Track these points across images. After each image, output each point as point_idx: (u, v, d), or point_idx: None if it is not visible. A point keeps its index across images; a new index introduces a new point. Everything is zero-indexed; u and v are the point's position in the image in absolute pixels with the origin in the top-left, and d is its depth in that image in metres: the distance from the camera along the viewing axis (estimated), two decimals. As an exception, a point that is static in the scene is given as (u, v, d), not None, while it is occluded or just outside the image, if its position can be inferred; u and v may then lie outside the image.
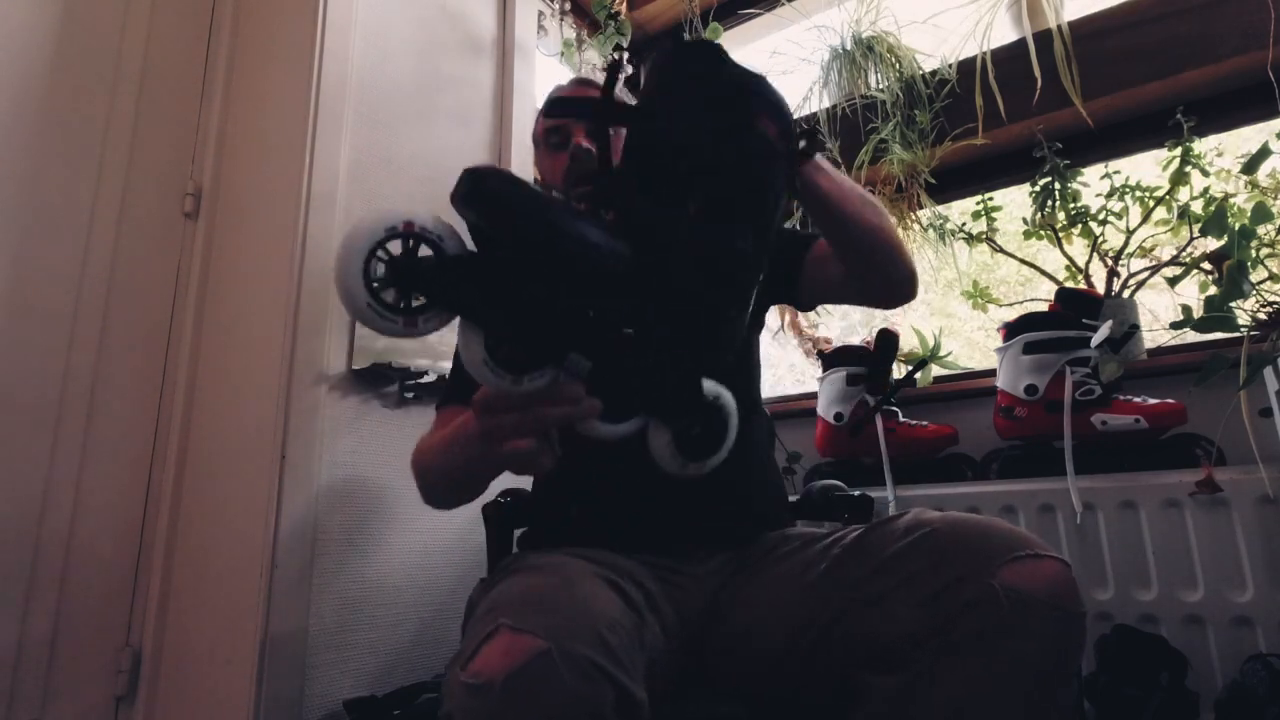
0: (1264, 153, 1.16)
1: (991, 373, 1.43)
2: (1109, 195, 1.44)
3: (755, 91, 0.56)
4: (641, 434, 0.61)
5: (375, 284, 0.50)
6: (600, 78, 1.54)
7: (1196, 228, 1.36)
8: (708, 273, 0.55)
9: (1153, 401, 1.22)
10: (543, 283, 0.52)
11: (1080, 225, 1.47)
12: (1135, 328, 1.31)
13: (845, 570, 0.69)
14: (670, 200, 0.55)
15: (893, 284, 0.84)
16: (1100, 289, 1.44)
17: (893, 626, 0.62)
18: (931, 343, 1.50)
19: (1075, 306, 1.30)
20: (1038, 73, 1.50)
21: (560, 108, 0.99)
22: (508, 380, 0.54)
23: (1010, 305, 1.56)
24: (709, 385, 0.64)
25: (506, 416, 0.55)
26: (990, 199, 1.59)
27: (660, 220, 0.55)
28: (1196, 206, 1.37)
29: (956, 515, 0.65)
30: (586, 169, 0.92)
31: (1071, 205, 1.47)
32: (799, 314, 1.86)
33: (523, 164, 1.56)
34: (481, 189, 0.50)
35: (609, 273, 0.52)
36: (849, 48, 1.77)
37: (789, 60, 1.88)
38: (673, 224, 0.55)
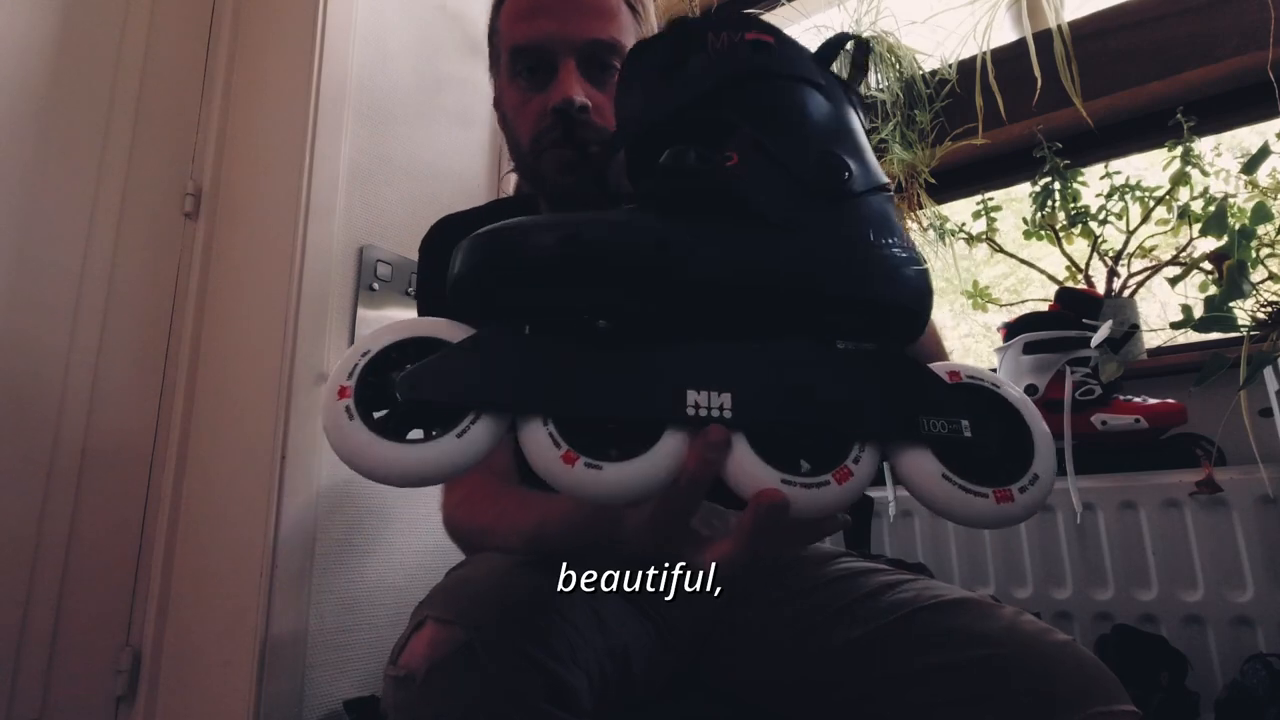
0: (1264, 153, 1.16)
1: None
2: (1109, 195, 1.44)
3: (729, 24, 0.51)
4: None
5: (386, 428, 0.39)
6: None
7: (1196, 228, 1.36)
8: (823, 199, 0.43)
9: (1153, 401, 1.22)
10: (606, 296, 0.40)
11: (1080, 225, 1.47)
12: (1135, 328, 1.31)
13: (887, 650, 0.60)
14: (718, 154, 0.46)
15: None
16: (1100, 289, 1.44)
17: None
18: (931, 343, 1.49)
19: (1075, 306, 1.30)
20: (1038, 73, 1.50)
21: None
22: (611, 470, 0.37)
23: (1010, 305, 1.56)
24: (963, 367, 0.45)
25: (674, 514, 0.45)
26: (990, 199, 1.59)
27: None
28: (1196, 206, 1.37)
29: (1021, 630, 0.57)
30: (582, 136, 0.73)
31: (1071, 205, 1.47)
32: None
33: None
34: (480, 240, 0.41)
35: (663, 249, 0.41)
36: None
37: (789, 60, 1.88)
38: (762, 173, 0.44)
